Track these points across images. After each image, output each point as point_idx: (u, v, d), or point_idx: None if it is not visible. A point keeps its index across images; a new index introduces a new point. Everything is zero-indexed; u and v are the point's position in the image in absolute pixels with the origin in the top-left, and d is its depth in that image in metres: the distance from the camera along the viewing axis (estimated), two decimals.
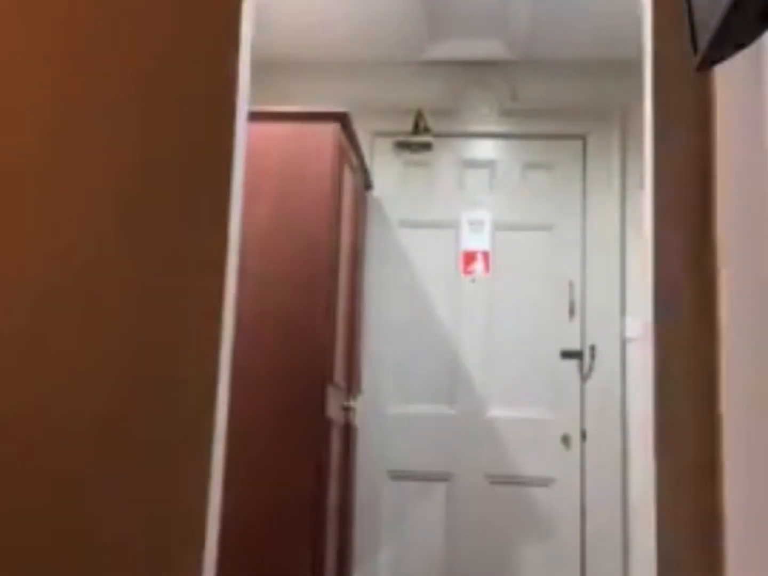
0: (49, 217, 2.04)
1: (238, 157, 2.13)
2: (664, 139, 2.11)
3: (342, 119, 3.27)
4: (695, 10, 1.22)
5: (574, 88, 4.03)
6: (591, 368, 3.85)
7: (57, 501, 1.96)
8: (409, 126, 4.04)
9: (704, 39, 1.16)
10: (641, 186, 2.88)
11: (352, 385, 3.64)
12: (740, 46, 1.15)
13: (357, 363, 3.75)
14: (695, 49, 1.22)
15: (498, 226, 4.01)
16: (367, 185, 4.01)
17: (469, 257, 4.00)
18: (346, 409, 3.52)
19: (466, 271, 4.00)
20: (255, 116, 2.57)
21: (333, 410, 3.22)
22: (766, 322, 1.62)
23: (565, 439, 3.83)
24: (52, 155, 2.07)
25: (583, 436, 3.82)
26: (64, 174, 2.07)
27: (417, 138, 4.01)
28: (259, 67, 2.72)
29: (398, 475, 3.87)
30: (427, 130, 4.01)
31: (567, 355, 3.88)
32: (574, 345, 3.89)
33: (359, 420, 3.80)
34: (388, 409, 3.92)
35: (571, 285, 3.94)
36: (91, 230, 2.05)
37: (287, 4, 3.63)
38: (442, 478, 3.85)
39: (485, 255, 4.00)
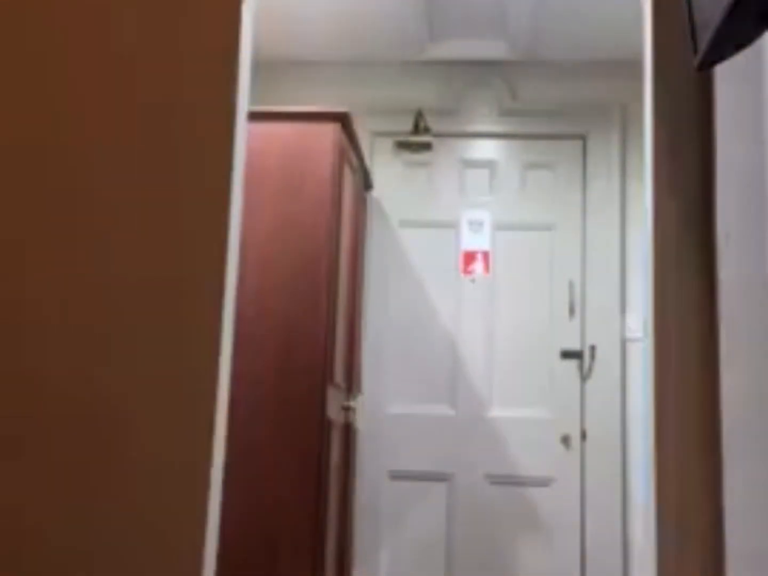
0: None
1: (238, 157, 2.13)
2: (664, 140, 2.11)
3: (342, 119, 3.27)
4: (695, 10, 1.22)
5: (574, 88, 4.03)
6: (591, 368, 3.85)
7: (56, 501, 1.96)
8: (409, 126, 4.04)
9: (704, 39, 1.16)
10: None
11: (352, 385, 3.64)
12: (740, 46, 1.15)
13: (357, 363, 3.75)
14: (695, 49, 1.22)
15: (498, 226, 4.01)
16: (367, 185, 4.01)
17: (469, 257, 4.01)
18: (346, 409, 3.52)
19: (466, 271, 4.00)
20: (255, 116, 2.57)
21: (333, 410, 3.22)
22: (766, 322, 1.62)
23: (565, 439, 3.83)
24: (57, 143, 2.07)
25: (583, 436, 3.82)
26: (67, 175, 2.07)
27: (417, 138, 4.01)
28: (259, 67, 2.72)
29: (398, 475, 3.87)
30: (427, 130, 4.01)
31: (567, 355, 3.88)
32: (574, 345, 3.89)
33: (359, 420, 3.80)
34: (388, 409, 3.92)
35: (571, 285, 3.94)
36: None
37: (287, 5, 3.63)
38: (442, 478, 3.85)
39: (485, 255, 4.00)
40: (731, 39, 1.12)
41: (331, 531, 3.19)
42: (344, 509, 3.49)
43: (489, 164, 4.08)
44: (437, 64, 4.08)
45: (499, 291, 3.96)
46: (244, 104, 2.18)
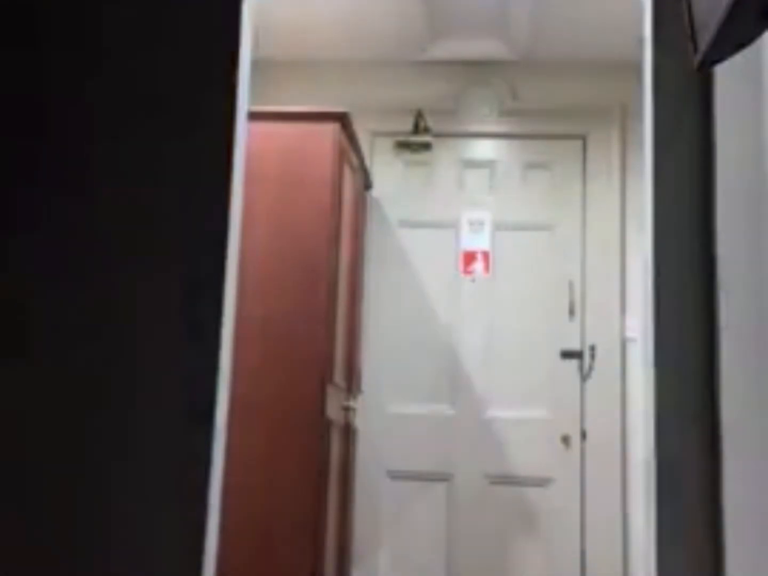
0: None
1: (238, 157, 2.13)
2: (664, 139, 2.11)
3: (342, 119, 3.27)
4: (695, 10, 1.22)
5: (574, 88, 4.03)
6: (591, 368, 3.85)
7: (54, 503, 1.96)
8: (409, 126, 4.04)
9: (704, 39, 1.16)
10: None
11: (352, 385, 3.64)
12: (740, 46, 1.15)
13: (357, 363, 3.75)
14: (695, 49, 1.22)
15: (498, 226, 4.01)
16: (367, 185, 4.01)
17: (469, 257, 4.00)
18: (346, 409, 3.52)
19: (466, 271, 4.00)
20: (255, 116, 2.57)
21: (333, 410, 3.22)
22: (766, 322, 1.62)
23: (565, 439, 3.83)
24: None
25: (583, 436, 3.82)
26: (66, 175, 2.07)
27: (417, 138, 4.01)
28: (259, 67, 2.72)
29: (398, 475, 3.87)
30: (427, 130, 4.01)
31: (567, 355, 3.88)
32: (574, 345, 3.89)
33: (359, 420, 3.80)
34: (388, 409, 3.92)
35: (571, 285, 3.94)
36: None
37: (287, 4, 3.63)
38: (442, 478, 3.85)
39: (485, 255, 4.00)
40: (731, 39, 1.12)
41: (330, 531, 3.19)
42: (344, 509, 3.49)
43: (489, 164, 4.08)
44: (437, 64, 4.08)
45: (499, 291, 3.96)
46: (244, 104, 2.18)
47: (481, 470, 3.84)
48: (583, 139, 4.04)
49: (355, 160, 3.62)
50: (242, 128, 2.17)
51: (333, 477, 3.22)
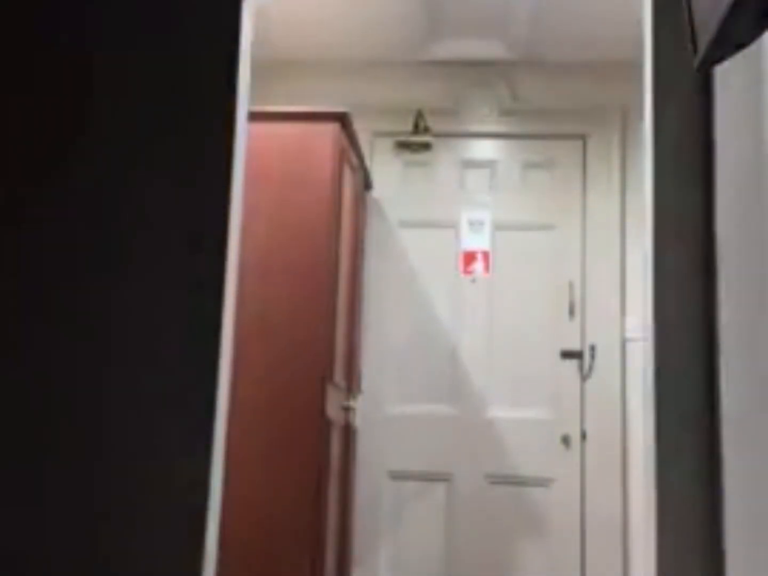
0: None
1: (238, 157, 2.13)
2: (664, 140, 2.11)
3: (342, 119, 3.27)
4: (695, 11, 1.22)
5: (574, 88, 4.03)
6: (591, 368, 3.85)
7: (54, 502, 1.96)
8: (409, 126, 4.04)
9: (704, 39, 1.16)
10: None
11: (352, 385, 3.64)
12: (740, 46, 1.15)
13: (357, 363, 3.75)
14: (695, 49, 1.22)
15: (498, 226, 4.01)
16: (367, 185, 4.01)
17: (469, 257, 4.00)
18: (346, 409, 3.52)
19: (466, 271, 4.00)
20: (255, 116, 2.57)
21: (333, 410, 3.22)
22: (766, 322, 1.62)
23: (565, 439, 3.83)
24: None
25: (583, 436, 3.82)
26: (67, 174, 2.07)
27: (417, 138, 4.00)
28: (259, 67, 2.72)
29: (398, 475, 3.87)
30: (427, 130, 4.01)
31: (567, 355, 3.88)
32: (574, 345, 3.89)
33: (359, 420, 3.80)
34: (388, 409, 3.92)
35: (571, 285, 3.94)
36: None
37: (287, 4, 3.63)
38: (442, 478, 3.85)
39: (485, 255, 4.00)
40: (731, 39, 1.12)
41: (331, 531, 3.19)
42: (344, 509, 3.49)
43: (489, 164, 4.08)
44: (437, 64, 4.08)
45: (499, 291, 3.96)
46: (244, 104, 2.18)
47: (481, 470, 3.84)
48: (583, 139, 4.04)
49: (355, 160, 3.62)
50: (242, 128, 2.17)
51: (333, 477, 3.22)
